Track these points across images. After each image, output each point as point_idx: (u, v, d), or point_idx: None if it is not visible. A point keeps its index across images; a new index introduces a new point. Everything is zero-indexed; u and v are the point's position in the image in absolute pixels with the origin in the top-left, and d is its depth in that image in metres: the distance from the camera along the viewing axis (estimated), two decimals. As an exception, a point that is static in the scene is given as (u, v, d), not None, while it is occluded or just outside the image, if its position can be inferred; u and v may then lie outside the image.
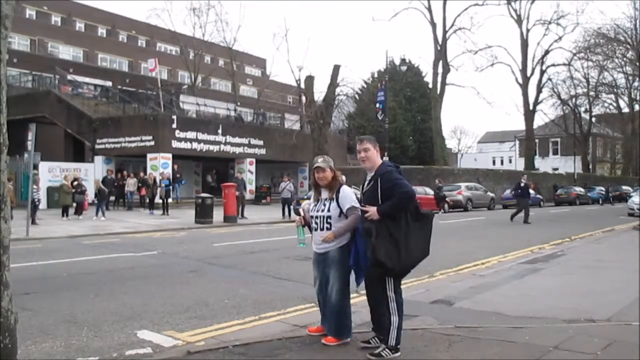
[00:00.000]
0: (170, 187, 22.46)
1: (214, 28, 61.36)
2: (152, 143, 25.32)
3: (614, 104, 54.74)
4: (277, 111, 40.82)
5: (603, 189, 42.59)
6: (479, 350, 4.29)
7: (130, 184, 23.83)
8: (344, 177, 4.54)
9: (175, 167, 25.31)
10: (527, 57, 47.47)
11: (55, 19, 46.09)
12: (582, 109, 53.31)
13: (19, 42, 40.06)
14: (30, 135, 14.94)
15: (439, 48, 40.78)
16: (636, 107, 51.03)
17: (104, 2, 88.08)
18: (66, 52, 43.35)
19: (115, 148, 26.79)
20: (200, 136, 27.00)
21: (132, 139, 26.03)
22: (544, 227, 17.09)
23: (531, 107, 48.45)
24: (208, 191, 23.53)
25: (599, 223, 18.40)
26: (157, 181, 22.50)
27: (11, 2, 3.38)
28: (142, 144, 25.66)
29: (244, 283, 7.62)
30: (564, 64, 48.68)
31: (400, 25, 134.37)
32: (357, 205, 4.30)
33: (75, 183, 19.34)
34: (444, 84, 40.87)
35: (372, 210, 3.98)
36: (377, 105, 30.32)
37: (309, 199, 4.71)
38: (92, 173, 25.47)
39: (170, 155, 25.36)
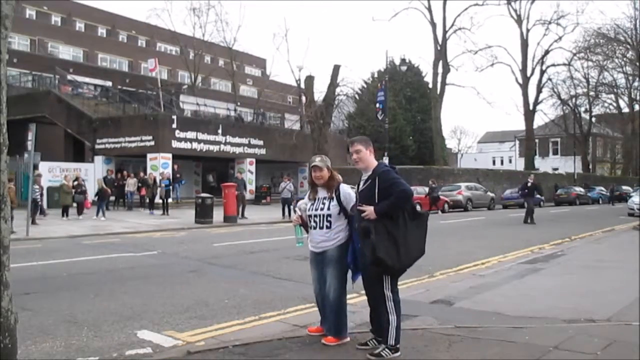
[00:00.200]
0: (170, 187, 22.47)
1: (214, 28, 61.37)
2: (152, 143, 25.34)
3: (614, 104, 54.78)
4: (277, 111, 40.83)
5: (603, 189, 42.57)
6: (479, 350, 4.29)
7: (130, 184, 23.84)
8: (340, 177, 4.55)
9: (175, 167, 25.32)
10: (527, 57, 47.52)
11: (55, 19, 46.09)
12: (582, 109, 53.32)
13: (19, 42, 40.06)
14: (30, 135, 14.95)
15: (439, 48, 40.78)
16: (636, 107, 51.04)
17: (104, 2, 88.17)
18: (66, 52, 43.36)
19: (115, 148, 26.80)
20: (200, 136, 27.02)
21: (132, 139, 26.04)
22: (544, 227, 17.08)
23: (531, 107, 48.44)
24: (208, 191, 23.53)
25: (599, 223, 18.39)
26: (157, 181, 22.51)
27: (11, 2, 3.38)
28: (142, 144, 25.67)
29: (244, 283, 7.63)
30: (564, 64, 48.75)
31: (400, 25, 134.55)
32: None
33: (76, 183, 19.35)
34: (444, 84, 40.87)
35: (370, 210, 4.00)
36: (377, 105, 30.32)
37: None
38: (92, 173, 25.49)
39: (170, 155, 25.36)
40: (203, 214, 17.95)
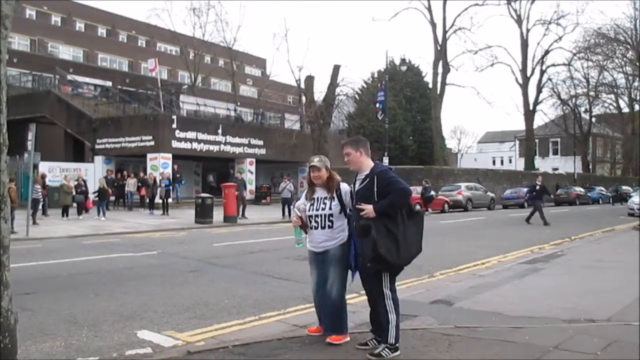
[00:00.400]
0: (170, 187, 22.47)
1: (214, 28, 61.56)
2: (152, 143, 25.34)
3: (614, 104, 54.74)
4: (277, 111, 40.82)
5: (603, 188, 42.54)
6: (479, 350, 4.29)
7: (130, 184, 23.84)
8: (339, 177, 4.58)
9: (175, 167, 25.32)
10: (527, 57, 47.51)
11: (55, 19, 46.09)
12: (582, 109, 53.30)
13: (19, 42, 40.06)
14: (30, 135, 14.95)
15: (439, 48, 40.79)
16: (636, 107, 51.01)
17: (104, 2, 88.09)
18: (66, 52, 43.36)
19: (115, 148, 26.80)
20: (200, 136, 27.02)
21: (132, 139, 26.05)
22: (543, 227, 17.07)
23: (531, 107, 48.43)
24: (208, 191, 23.54)
25: (599, 223, 18.38)
26: (157, 181, 22.51)
27: (11, 2, 3.38)
28: (142, 144, 25.67)
29: (244, 283, 7.63)
30: (564, 64, 48.74)
31: (400, 25, 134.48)
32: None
33: (76, 183, 19.35)
34: (444, 84, 40.87)
35: (369, 208, 4.03)
36: (377, 105, 30.32)
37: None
38: (92, 173, 25.47)
39: (170, 155, 25.36)
40: (203, 214, 17.95)
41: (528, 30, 47.02)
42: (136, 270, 8.83)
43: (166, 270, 8.79)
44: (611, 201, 39.53)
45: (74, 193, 19.11)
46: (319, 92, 34.29)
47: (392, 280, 4.18)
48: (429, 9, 41.09)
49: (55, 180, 22.65)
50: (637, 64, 39.02)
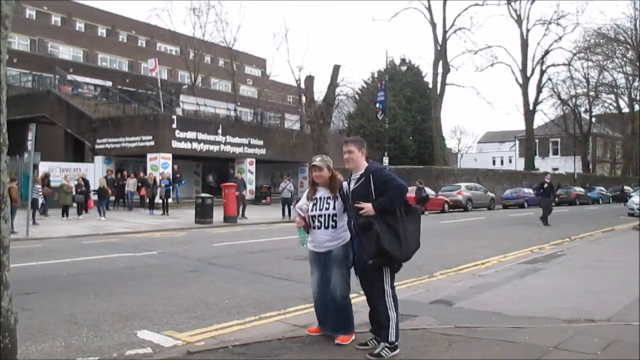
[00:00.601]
0: (170, 187, 22.47)
1: (214, 28, 61.57)
2: (152, 143, 25.33)
3: (614, 104, 54.76)
4: (277, 111, 40.82)
5: (603, 188, 42.52)
6: (479, 350, 4.30)
7: (130, 184, 23.83)
8: (341, 177, 4.60)
9: (175, 167, 25.31)
10: (527, 57, 47.56)
11: (55, 19, 46.09)
12: (582, 109, 53.32)
13: (19, 42, 40.06)
14: (30, 135, 14.94)
15: (439, 48, 40.81)
16: (636, 107, 51.01)
17: (104, 2, 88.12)
18: (66, 52, 43.36)
19: (115, 148, 26.80)
20: (200, 136, 27.00)
21: (132, 139, 26.04)
22: (543, 227, 17.08)
23: (531, 107, 48.46)
24: (208, 191, 23.53)
25: (599, 223, 18.38)
26: (157, 181, 22.51)
27: (11, 2, 3.38)
28: (142, 144, 25.67)
29: (244, 283, 7.63)
30: (564, 64, 48.78)
31: (400, 25, 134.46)
32: None
33: (76, 183, 19.34)
34: (444, 84, 40.90)
35: (368, 206, 4.06)
36: (377, 105, 30.31)
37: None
38: (92, 173, 25.45)
39: (170, 155, 25.36)
40: (203, 214, 17.95)
41: (528, 30, 47.13)
42: (136, 270, 8.83)
43: (166, 270, 8.79)
44: (624, 200, 39.20)
45: (74, 193, 19.12)
46: (319, 92, 34.37)
47: (393, 277, 4.22)
48: (429, 9, 41.17)
49: (55, 180, 22.61)
50: (637, 64, 39.03)
